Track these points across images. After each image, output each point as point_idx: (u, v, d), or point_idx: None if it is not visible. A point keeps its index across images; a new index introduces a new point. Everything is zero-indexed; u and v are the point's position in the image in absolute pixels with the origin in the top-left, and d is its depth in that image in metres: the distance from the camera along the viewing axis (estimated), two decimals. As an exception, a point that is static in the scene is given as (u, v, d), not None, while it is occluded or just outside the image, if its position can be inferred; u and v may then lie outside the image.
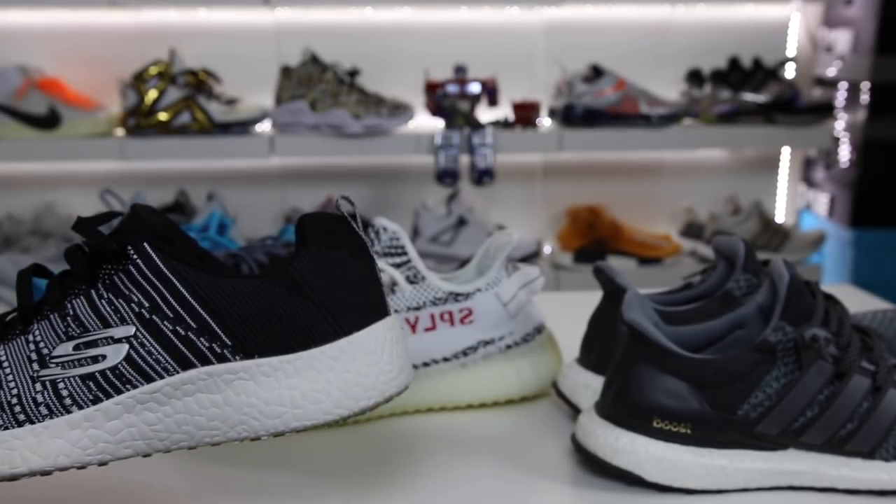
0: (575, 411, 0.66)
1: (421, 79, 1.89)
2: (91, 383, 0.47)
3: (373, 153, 1.81)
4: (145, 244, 0.47)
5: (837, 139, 2.09)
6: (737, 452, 0.55)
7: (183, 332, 0.47)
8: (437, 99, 1.84)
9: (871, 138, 2.04)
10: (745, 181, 2.19)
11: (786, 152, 2.24)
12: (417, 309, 0.66)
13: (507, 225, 2.05)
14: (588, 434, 0.57)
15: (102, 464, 0.48)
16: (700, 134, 1.93)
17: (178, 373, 0.47)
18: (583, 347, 0.69)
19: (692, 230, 2.07)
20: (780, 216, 2.27)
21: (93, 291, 0.48)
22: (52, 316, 0.48)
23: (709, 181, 2.19)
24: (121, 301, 0.47)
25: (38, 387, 0.47)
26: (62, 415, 0.47)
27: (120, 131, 1.81)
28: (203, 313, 0.47)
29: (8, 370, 0.48)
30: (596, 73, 1.88)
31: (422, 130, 1.85)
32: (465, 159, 1.84)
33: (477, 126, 1.81)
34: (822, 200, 2.19)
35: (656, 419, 0.55)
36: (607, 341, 0.65)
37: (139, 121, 1.74)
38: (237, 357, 0.47)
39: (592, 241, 1.96)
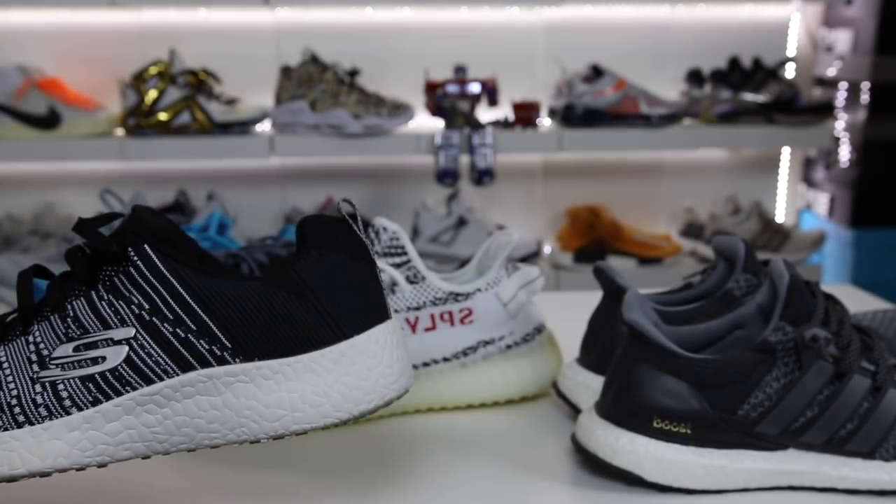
0: (575, 411, 0.67)
1: (421, 79, 1.89)
2: (91, 385, 0.47)
3: (373, 153, 1.81)
4: (146, 246, 0.47)
5: (837, 139, 2.09)
6: (737, 452, 0.55)
7: (183, 335, 0.47)
8: (437, 99, 1.84)
9: (871, 138, 2.04)
10: (745, 181, 2.19)
11: (786, 152, 2.24)
12: (417, 309, 0.67)
13: (507, 225, 2.05)
14: (588, 434, 0.57)
15: (101, 465, 0.48)
16: (700, 134, 1.93)
17: (177, 375, 0.47)
18: (583, 347, 0.69)
19: (692, 230, 2.07)
20: (780, 216, 2.26)
21: (93, 293, 0.48)
22: (52, 317, 0.48)
23: (709, 181, 2.19)
24: (121, 303, 0.47)
25: (38, 388, 0.47)
26: (62, 416, 0.47)
27: (120, 131, 1.81)
28: (203, 315, 0.47)
29: (8, 371, 0.48)
30: (596, 73, 1.88)
31: (422, 130, 1.84)
32: (465, 159, 1.84)
33: (477, 126, 1.81)
34: (822, 200, 2.19)
35: (656, 419, 0.55)
36: (607, 341, 0.65)
37: (139, 121, 1.74)
38: (237, 360, 0.47)
39: (592, 241, 1.96)
